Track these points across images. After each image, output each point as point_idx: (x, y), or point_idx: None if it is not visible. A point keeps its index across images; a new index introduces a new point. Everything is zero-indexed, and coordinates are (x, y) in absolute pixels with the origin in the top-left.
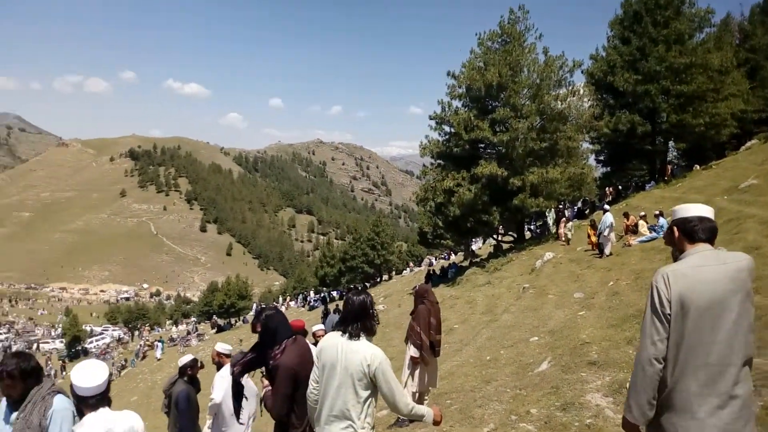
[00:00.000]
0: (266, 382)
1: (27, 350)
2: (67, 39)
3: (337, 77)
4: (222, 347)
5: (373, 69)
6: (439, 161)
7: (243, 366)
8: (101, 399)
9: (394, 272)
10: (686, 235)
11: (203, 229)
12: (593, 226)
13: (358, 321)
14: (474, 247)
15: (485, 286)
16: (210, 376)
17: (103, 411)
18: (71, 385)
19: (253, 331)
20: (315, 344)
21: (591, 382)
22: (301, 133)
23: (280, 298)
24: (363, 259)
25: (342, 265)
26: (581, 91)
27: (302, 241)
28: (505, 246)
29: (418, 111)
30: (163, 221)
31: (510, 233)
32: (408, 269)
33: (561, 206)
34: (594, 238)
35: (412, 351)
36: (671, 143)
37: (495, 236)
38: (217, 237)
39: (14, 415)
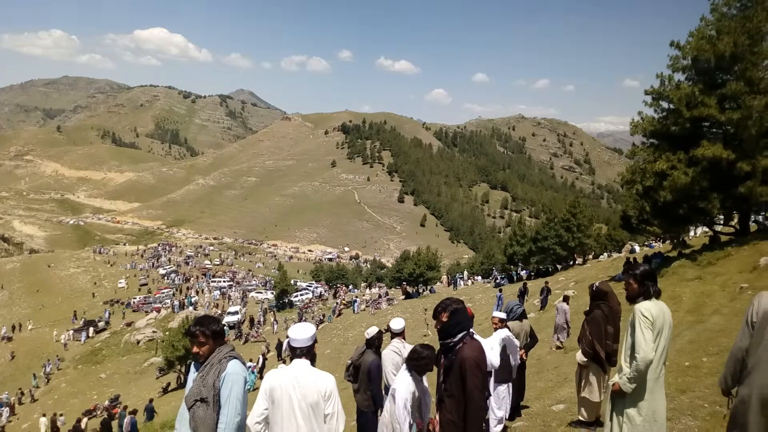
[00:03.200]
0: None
1: (242, 299)
2: (295, 22)
3: (545, 49)
4: (396, 324)
5: (586, 39)
6: (651, 140)
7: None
8: (306, 352)
9: (590, 256)
10: None
11: (401, 200)
12: None
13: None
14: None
15: (694, 282)
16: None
17: (302, 362)
18: (287, 338)
19: (434, 316)
20: (496, 329)
21: None
22: (502, 107)
23: (466, 272)
24: (556, 240)
25: (533, 244)
26: None
27: (494, 217)
28: (723, 238)
29: (633, 84)
30: (366, 191)
31: (731, 224)
32: (606, 254)
33: None
34: None
35: (579, 356)
36: None
37: (712, 226)
38: (413, 208)
39: (196, 374)
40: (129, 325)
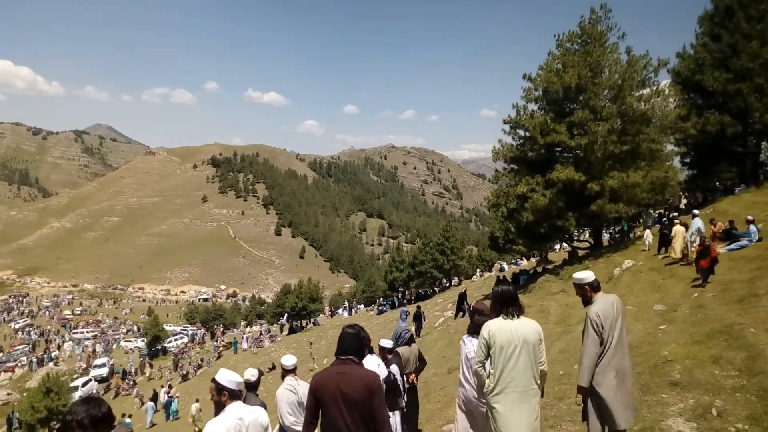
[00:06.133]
0: None
1: (105, 350)
2: (156, 53)
3: (410, 82)
4: (287, 360)
5: (446, 73)
6: (512, 166)
7: None
8: (238, 395)
9: (463, 277)
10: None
11: (278, 233)
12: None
13: (515, 303)
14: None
15: (559, 295)
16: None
17: (239, 404)
18: (217, 380)
19: None
20: (383, 359)
21: (673, 404)
22: (373, 138)
23: (347, 302)
24: (432, 264)
25: (411, 269)
26: (666, 92)
27: (372, 245)
28: (580, 253)
29: (491, 114)
30: (241, 225)
31: (586, 239)
32: (478, 274)
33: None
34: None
35: None
36: (764, 144)
37: (570, 242)
38: (291, 240)
39: None
40: None
